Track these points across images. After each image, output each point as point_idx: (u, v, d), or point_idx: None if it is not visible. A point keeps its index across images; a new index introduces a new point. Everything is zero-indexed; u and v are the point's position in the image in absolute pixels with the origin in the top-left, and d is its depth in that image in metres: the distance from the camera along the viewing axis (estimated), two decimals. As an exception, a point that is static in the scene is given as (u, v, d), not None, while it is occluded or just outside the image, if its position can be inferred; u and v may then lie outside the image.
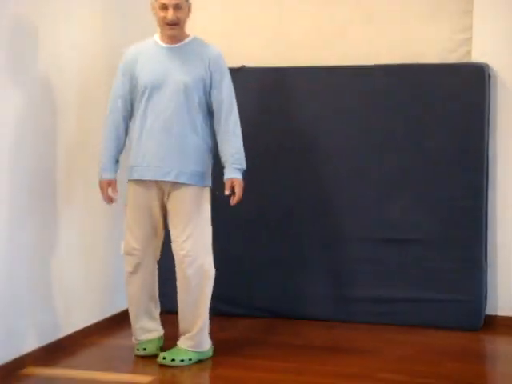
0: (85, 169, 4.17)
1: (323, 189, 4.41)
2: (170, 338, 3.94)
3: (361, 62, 4.49)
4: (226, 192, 3.70)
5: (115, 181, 3.83)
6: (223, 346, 3.99)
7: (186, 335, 3.81)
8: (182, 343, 3.81)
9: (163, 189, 3.76)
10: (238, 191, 3.71)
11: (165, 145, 3.69)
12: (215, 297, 4.43)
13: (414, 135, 4.38)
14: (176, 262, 3.78)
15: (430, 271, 4.36)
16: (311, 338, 4.15)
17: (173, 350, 3.81)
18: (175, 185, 3.72)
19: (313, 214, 4.51)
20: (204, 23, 4.67)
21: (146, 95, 3.71)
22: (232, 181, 3.70)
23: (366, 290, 4.45)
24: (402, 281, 4.40)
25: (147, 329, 3.92)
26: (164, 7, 3.66)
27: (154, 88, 3.69)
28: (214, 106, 3.74)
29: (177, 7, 3.66)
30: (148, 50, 3.79)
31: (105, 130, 3.82)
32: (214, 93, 3.73)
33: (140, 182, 3.77)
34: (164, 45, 3.76)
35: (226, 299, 4.53)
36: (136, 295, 3.89)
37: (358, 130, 4.46)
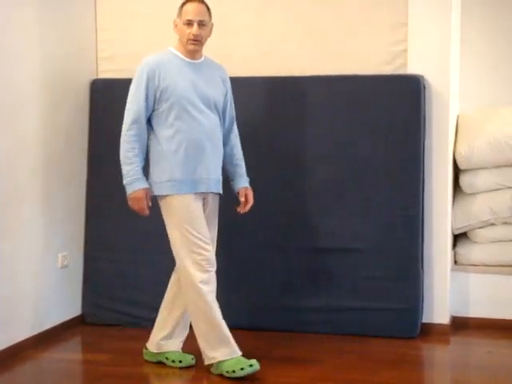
0: (20, 179, 4.13)
1: (261, 199, 4.40)
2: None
3: (298, 73, 4.52)
4: (242, 199, 3.95)
5: (149, 190, 3.74)
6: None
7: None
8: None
9: (204, 200, 3.81)
10: (252, 198, 3.98)
11: (214, 158, 3.79)
12: (152, 306, 4.41)
13: (351, 145, 4.42)
14: None
15: (367, 280, 4.40)
16: (251, 349, 4.13)
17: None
18: (214, 195, 3.86)
19: (251, 225, 4.50)
20: (136, 38, 4.72)
21: (180, 108, 3.69)
22: (246, 189, 3.96)
23: (304, 300, 4.46)
24: (340, 290, 4.42)
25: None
26: (189, 23, 3.72)
27: (189, 102, 3.71)
28: (228, 121, 3.95)
29: (201, 24, 3.74)
30: (171, 62, 3.76)
31: (129, 141, 3.68)
32: (229, 109, 3.95)
33: (191, 195, 3.72)
34: (187, 59, 3.79)
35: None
36: (216, 307, 3.79)
37: (296, 140, 4.48)
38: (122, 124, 4.63)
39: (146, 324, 4.49)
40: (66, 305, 4.57)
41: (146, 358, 4.01)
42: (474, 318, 4.61)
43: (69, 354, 4.19)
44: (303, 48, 4.58)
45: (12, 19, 4.05)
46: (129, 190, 3.71)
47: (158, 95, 3.70)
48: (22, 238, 4.18)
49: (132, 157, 3.68)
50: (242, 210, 3.99)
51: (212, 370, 3.76)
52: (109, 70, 4.81)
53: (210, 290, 3.73)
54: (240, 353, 3.75)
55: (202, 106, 3.75)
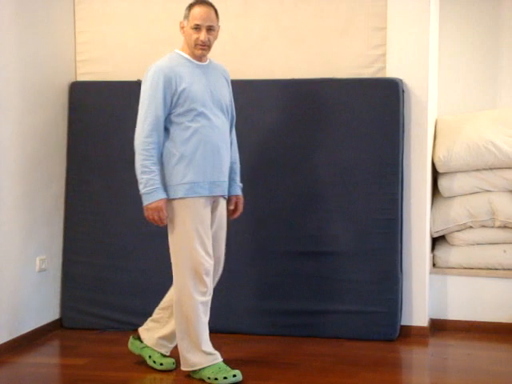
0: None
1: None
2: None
3: (277, 76, 4.53)
4: (231, 207, 3.90)
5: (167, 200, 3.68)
6: (136, 361, 3.96)
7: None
8: None
9: (214, 203, 3.76)
10: (242, 207, 3.95)
11: (227, 160, 3.77)
12: (131, 311, 4.40)
13: (330, 148, 4.44)
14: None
15: (346, 283, 4.41)
16: (231, 352, 4.12)
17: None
18: (224, 198, 3.81)
19: (231, 228, 4.49)
20: (115, 37, 4.72)
21: (196, 111, 3.64)
22: (237, 197, 3.92)
23: (283, 303, 4.46)
24: (319, 293, 4.43)
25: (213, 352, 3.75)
26: (197, 28, 3.64)
27: (204, 104, 3.66)
28: (229, 122, 3.90)
29: (210, 29, 3.67)
30: (183, 65, 3.69)
31: (148, 148, 3.59)
32: (232, 110, 3.91)
33: (202, 198, 3.66)
34: (196, 62, 3.73)
35: (141, 313, 4.48)
36: (206, 319, 3.73)
37: (275, 143, 4.49)
38: (100, 126, 4.66)
39: (125, 328, 4.49)
40: (44, 309, 4.53)
41: (130, 347, 3.98)
42: (452, 320, 4.64)
43: (47, 359, 4.16)
44: (283, 51, 4.60)
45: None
46: (148, 200, 3.61)
47: (175, 99, 3.63)
48: (0, 241, 4.14)
49: (150, 165, 3.60)
50: (229, 217, 3.95)
51: (191, 373, 3.74)
52: (87, 73, 4.79)
53: (203, 300, 3.69)
54: (221, 359, 3.74)
55: (215, 109, 3.72)
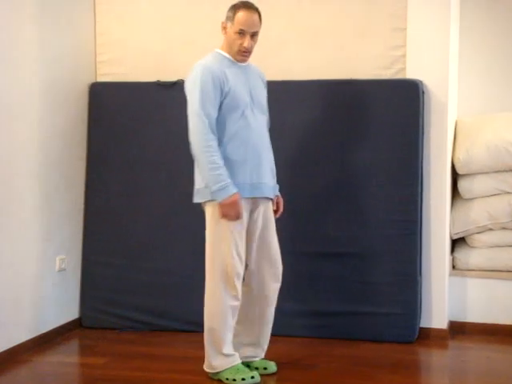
0: (19, 182, 4.14)
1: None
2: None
3: (296, 77, 4.52)
4: (274, 207, 3.86)
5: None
6: (154, 361, 3.97)
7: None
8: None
9: (254, 206, 3.72)
10: (282, 207, 3.90)
11: (270, 162, 3.77)
12: (149, 311, 4.41)
13: (349, 149, 4.43)
14: (265, 279, 3.83)
15: (365, 285, 4.39)
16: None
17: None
18: (267, 200, 3.76)
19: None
20: (143, 38, 4.74)
21: (239, 112, 3.62)
22: (278, 197, 3.88)
23: (302, 304, 4.46)
24: (338, 294, 4.42)
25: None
26: (242, 33, 3.60)
27: (246, 106, 3.65)
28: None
29: (254, 35, 3.64)
30: (227, 66, 3.66)
31: (211, 145, 3.53)
32: (268, 111, 3.89)
33: (241, 200, 3.61)
34: (238, 63, 3.71)
35: (160, 313, 4.51)
36: (233, 322, 3.71)
37: (293, 143, 4.49)
38: (120, 127, 4.68)
39: (144, 328, 4.50)
40: (63, 308, 4.56)
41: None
42: (471, 322, 4.61)
43: (66, 358, 4.18)
44: (302, 53, 4.59)
45: (10, 23, 4.05)
46: (223, 195, 3.53)
47: (222, 99, 3.60)
48: (20, 240, 4.17)
49: (218, 161, 3.53)
50: (276, 215, 3.91)
51: (211, 374, 3.75)
52: (108, 74, 4.81)
53: (232, 304, 3.67)
54: (240, 360, 3.74)
55: (255, 110, 3.70)
